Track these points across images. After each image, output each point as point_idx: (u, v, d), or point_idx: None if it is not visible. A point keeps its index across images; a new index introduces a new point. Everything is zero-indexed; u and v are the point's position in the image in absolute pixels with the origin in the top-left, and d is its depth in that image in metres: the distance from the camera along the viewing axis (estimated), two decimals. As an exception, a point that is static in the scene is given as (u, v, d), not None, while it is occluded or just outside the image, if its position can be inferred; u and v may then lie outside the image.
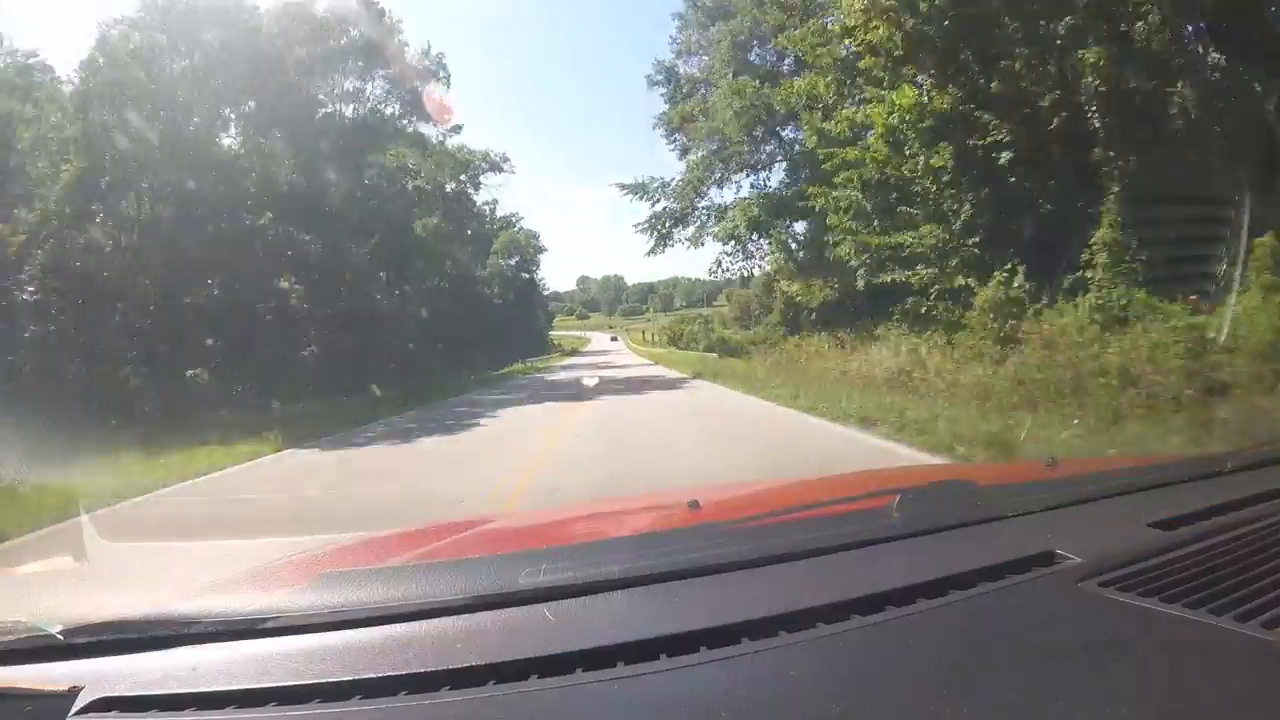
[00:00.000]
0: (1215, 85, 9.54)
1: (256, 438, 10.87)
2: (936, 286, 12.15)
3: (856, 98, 16.02)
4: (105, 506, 6.27)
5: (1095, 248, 9.93)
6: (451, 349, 32.87)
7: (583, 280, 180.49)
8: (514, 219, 56.81)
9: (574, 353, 68.14)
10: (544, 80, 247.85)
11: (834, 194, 14.88)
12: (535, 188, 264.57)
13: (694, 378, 20.72)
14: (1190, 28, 10.12)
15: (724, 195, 26.35)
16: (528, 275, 61.71)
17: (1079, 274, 10.04)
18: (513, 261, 57.15)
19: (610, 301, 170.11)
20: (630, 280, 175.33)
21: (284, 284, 21.08)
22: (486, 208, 49.25)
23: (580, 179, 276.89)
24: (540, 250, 63.41)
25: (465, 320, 35.92)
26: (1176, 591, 0.94)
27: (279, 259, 20.96)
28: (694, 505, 1.49)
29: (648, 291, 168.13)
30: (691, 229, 26.78)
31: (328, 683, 0.84)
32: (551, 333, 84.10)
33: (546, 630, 0.92)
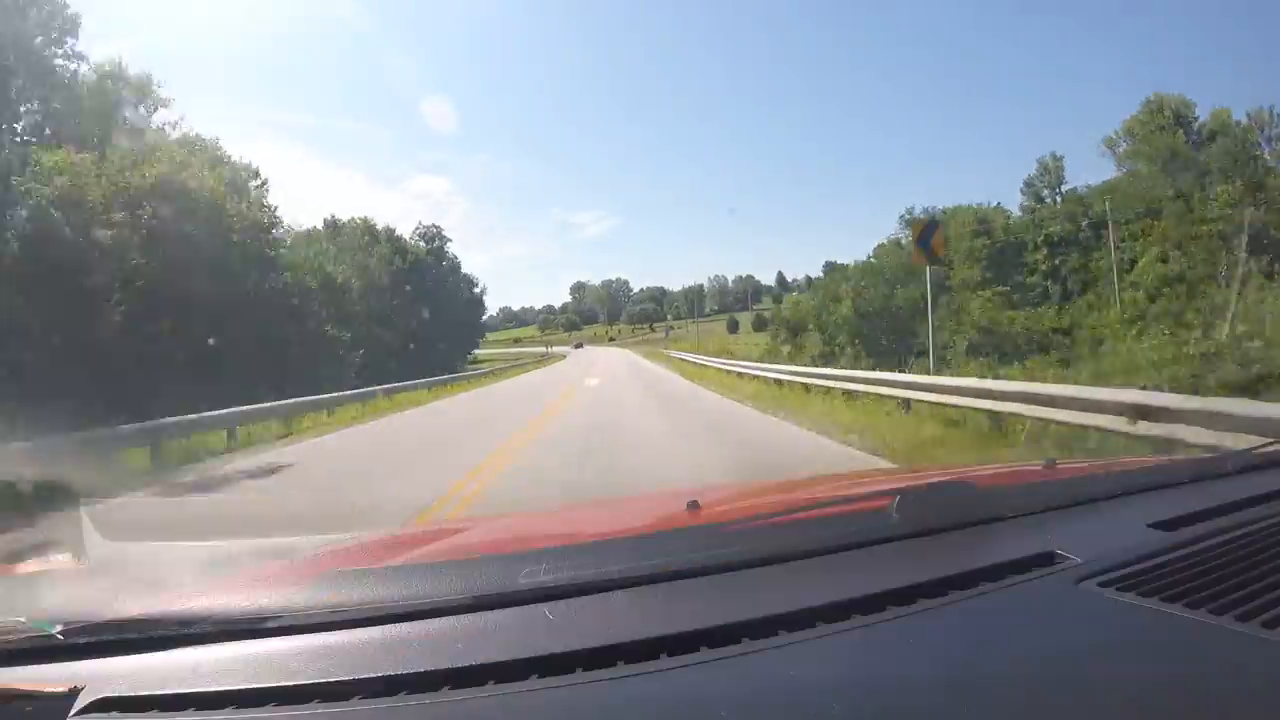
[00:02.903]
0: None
1: None
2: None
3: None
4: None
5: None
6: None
7: (578, 288, 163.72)
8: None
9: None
10: (548, 106, 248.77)
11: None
12: (541, 210, 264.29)
13: None
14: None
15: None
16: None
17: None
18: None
19: (612, 308, 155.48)
20: (636, 286, 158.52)
21: None
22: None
23: (582, 198, 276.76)
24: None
25: None
26: (1176, 591, 0.94)
27: None
28: (694, 505, 1.49)
29: (661, 295, 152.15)
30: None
31: (328, 683, 0.83)
32: (478, 351, 57.36)
33: (546, 630, 0.92)
